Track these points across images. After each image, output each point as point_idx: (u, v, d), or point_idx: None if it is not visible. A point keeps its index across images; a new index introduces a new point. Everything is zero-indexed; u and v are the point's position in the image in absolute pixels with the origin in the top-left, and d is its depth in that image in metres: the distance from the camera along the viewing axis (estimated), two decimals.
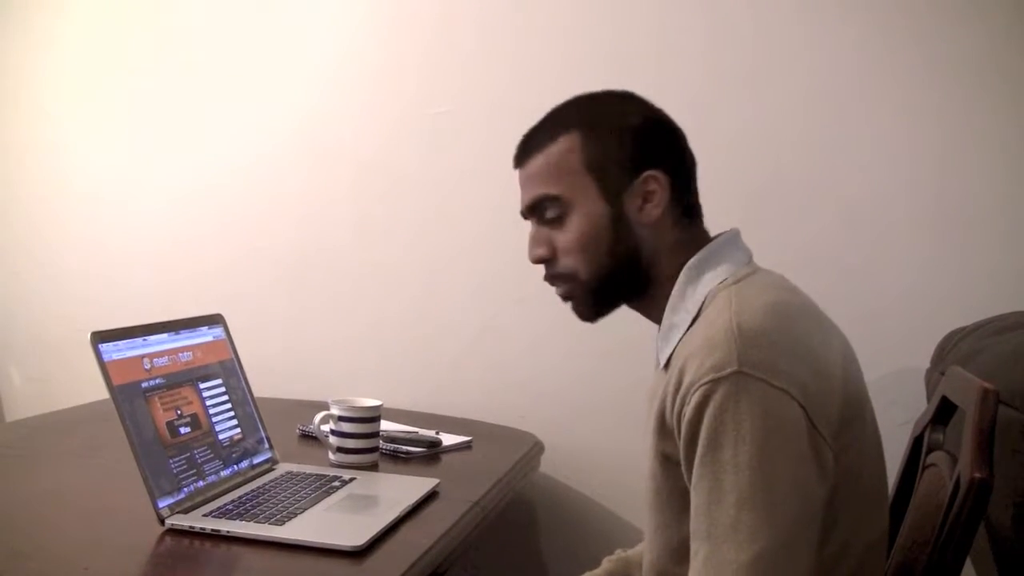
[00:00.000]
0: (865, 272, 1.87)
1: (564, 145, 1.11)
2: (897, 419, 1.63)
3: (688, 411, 0.95)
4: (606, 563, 1.34)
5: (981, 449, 0.98)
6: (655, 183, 1.09)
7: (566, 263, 1.12)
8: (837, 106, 1.88)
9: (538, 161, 1.12)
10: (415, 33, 2.14)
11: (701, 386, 0.94)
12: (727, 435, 0.92)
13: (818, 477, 0.94)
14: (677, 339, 1.05)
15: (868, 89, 1.86)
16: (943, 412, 1.22)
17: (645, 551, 1.13)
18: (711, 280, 1.07)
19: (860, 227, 1.88)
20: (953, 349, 1.51)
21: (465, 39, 2.11)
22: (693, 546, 0.96)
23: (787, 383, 0.93)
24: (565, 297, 1.15)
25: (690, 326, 1.05)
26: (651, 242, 1.10)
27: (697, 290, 1.07)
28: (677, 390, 0.98)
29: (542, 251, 1.13)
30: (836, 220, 1.89)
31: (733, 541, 0.90)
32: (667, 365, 1.05)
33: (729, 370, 0.92)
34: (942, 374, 1.34)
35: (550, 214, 1.12)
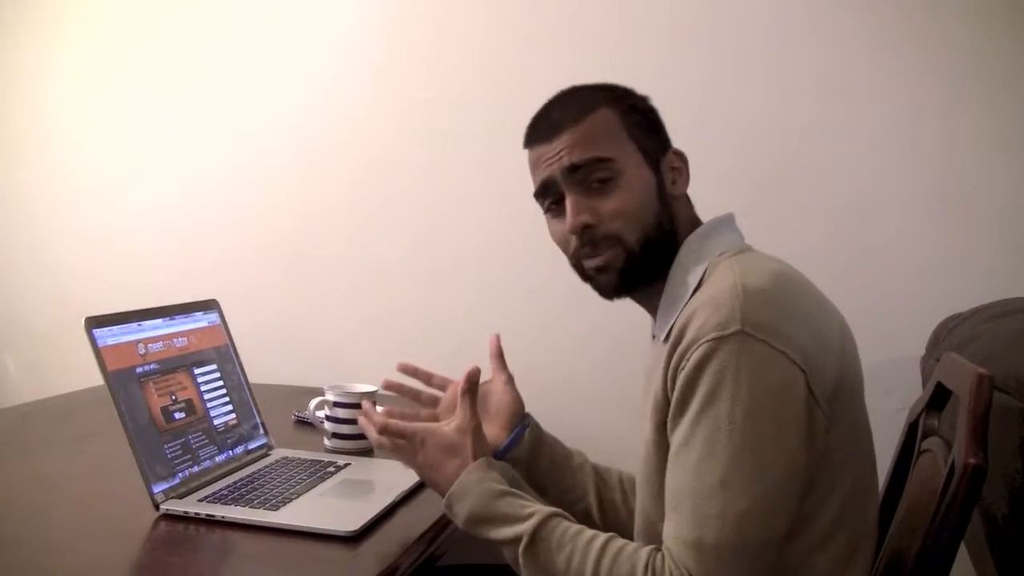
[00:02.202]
0: (863, 260, 1.87)
1: (604, 116, 1.11)
2: (893, 406, 1.63)
3: (688, 365, 0.96)
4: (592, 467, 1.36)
5: (976, 435, 0.98)
6: (679, 160, 1.14)
7: (613, 227, 1.09)
8: (837, 97, 1.88)
9: (580, 129, 1.10)
10: (414, 24, 2.13)
11: (704, 343, 0.94)
12: (724, 393, 0.93)
13: (807, 443, 0.95)
14: (678, 311, 1.05)
15: (870, 80, 1.86)
16: (938, 398, 1.22)
17: (636, 518, 1.13)
18: (711, 252, 1.09)
19: (859, 215, 1.88)
20: (949, 335, 1.51)
21: (465, 30, 2.09)
22: (673, 499, 0.96)
23: (788, 346, 0.94)
24: (601, 268, 1.11)
25: (691, 297, 1.05)
26: (681, 215, 1.13)
27: (699, 263, 1.08)
28: (677, 347, 0.98)
29: (587, 217, 1.09)
30: (834, 209, 1.89)
31: (721, 497, 0.92)
32: (667, 337, 1.04)
33: (732, 329, 0.93)
34: (937, 360, 1.34)
35: (600, 175, 1.09)
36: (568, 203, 1.10)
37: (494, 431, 1.28)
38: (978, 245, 1.82)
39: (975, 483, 0.96)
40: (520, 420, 1.31)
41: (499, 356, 1.33)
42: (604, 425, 1.99)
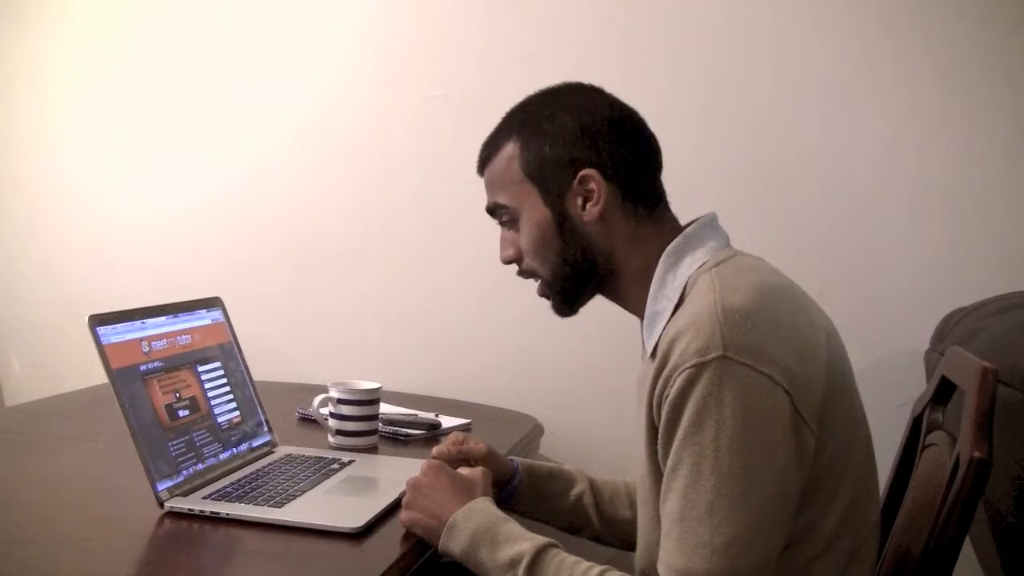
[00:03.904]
0: (867, 255, 1.87)
1: (506, 154, 1.15)
2: (897, 401, 1.63)
3: (672, 392, 0.95)
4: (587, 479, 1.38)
5: (980, 429, 0.98)
6: (592, 181, 1.10)
7: (528, 264, 1.17)
8: (843, 94, 1.88)
9: (489, 170, 1.18)
10: (419, 23, 2.13)
11: (686, 369, 0.93)
12: (709, 420, 0.92)
13: (796, 463, 0.95)
14: (662, 326, 1.04)
15: (873, 78, 1.86)
16: (942, 392, 1.21)
17: (638, 535, 1.14)
18: (690, 265, 1.07)
19: (863, 211, 1.88)
20: (953, 329, 1.51)
21: (470, 27, 2.09)
22: (665, 525, 0.96)
23: (772, 368, 0.93)
24: (541, 294, 1.19)
25: (673, 312, 1.04)
26: (602, 238, 1.11)
27: (677, 276, 1.07)
28: (661, 372, 0.98)
29: (509, 252, 1.18)
30: (839, 205, 1.89)
31: (708, 524, 0.92)
32: (653, 353, 1.04)
33: (714, 354, 0.92)
34: (941, 354, 1.33)
35: (505, 219, 1.18)
36: (500, 237, 1.19)
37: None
38: (982, 239, 1.81)
39: (980, 477, 0.96)
40: (509, 477, 1.36)
41: (461, 454, 1.32)
42: (608, 424, 2.00)
